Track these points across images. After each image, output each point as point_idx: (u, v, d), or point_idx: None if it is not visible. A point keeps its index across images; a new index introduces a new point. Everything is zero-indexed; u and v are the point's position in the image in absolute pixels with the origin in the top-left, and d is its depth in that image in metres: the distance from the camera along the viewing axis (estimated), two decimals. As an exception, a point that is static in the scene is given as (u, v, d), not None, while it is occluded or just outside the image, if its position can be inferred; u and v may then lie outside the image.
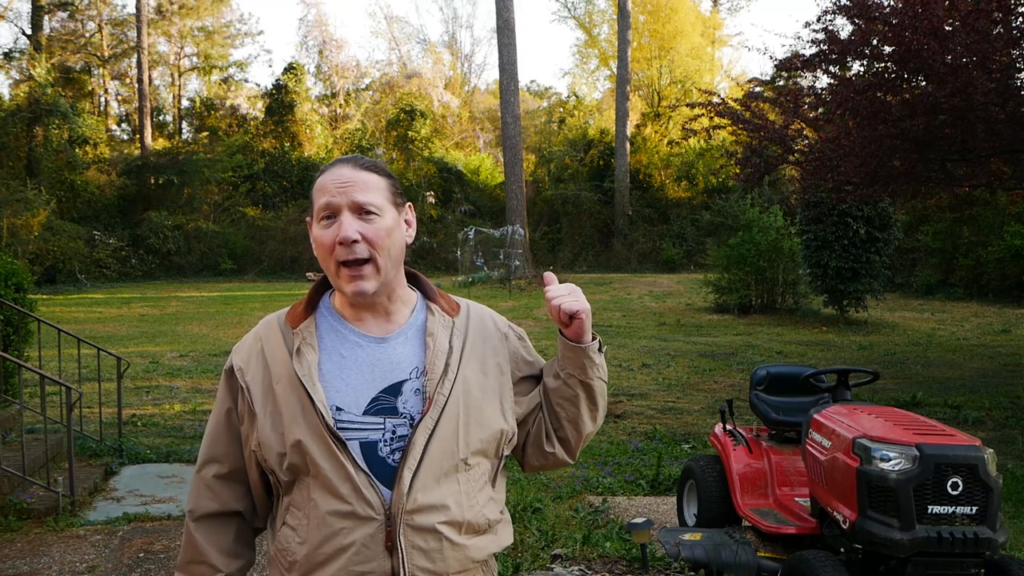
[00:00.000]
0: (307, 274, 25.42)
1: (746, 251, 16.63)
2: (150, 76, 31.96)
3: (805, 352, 12.65)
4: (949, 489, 3.12)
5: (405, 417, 1.52)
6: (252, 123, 32.96)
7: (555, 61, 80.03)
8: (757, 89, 12.65)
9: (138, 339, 13.78)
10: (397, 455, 1.50)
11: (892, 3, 8.49)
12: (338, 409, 1.51)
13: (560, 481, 5.98)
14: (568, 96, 38.69)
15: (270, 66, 51.65)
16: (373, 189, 1.55)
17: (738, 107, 11.04)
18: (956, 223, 20.48)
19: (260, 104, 33.33)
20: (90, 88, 33.73)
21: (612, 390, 9.76)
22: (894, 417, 3.56)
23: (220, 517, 1.62)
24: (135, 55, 31.14)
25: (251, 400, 1.55)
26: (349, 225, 1.51)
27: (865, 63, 9.12)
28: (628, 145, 29.44)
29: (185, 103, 36.23)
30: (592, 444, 7.32)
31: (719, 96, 11.47)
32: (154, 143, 31.03)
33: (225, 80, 35.74)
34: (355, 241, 1.51)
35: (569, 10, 49.86)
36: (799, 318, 16.55)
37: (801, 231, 16.06)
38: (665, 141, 31.50)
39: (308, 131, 31.82)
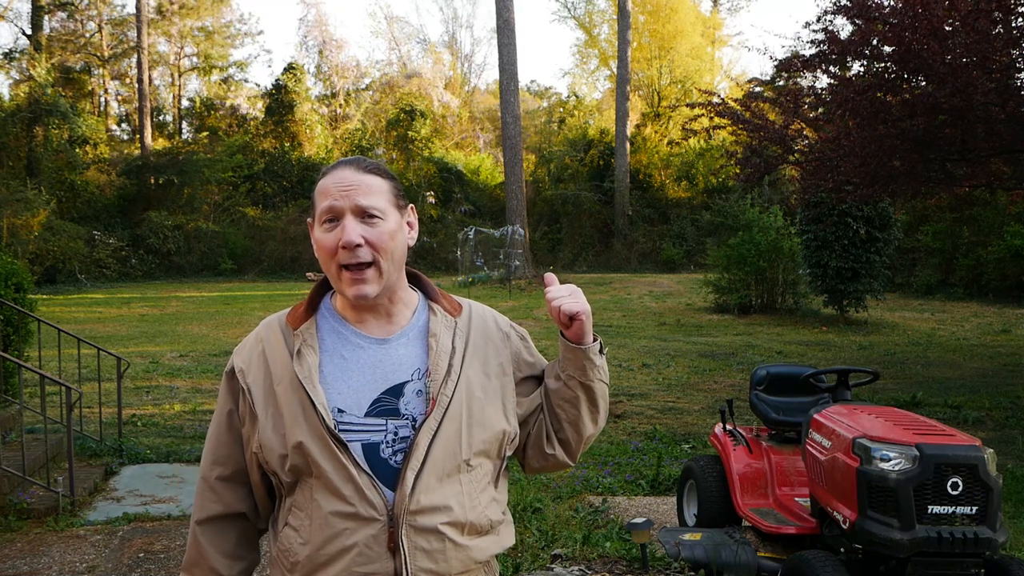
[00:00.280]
0: (307, 274, 25.43)
1: (746, 251, 16.63)
2: (150, 76, 31.96)
3: (805, 352, 12.65)
4: (949, 489, 3.13)
5: (407, 418, 1.52)
6: (252, 123, 32.97)
7: (555, 61, 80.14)
8: (757, 89, 12.65)
9: (138, 339, 13.78)
10: (399, 456, 1.50)
11: (892, 3, 8.49)
12: (340, 411, 1.51)
13: (560, 481, 5.98)
14: (568, 96, 38.71)
15: (269, 66, 51.73)
16: (376, 192, 1.55)
17: (738, 107, 11.04)
18: (956, 223, 20.48)
19: (260, 104, 33.34)
20: (90, 88, 33.73)
21: (612, 390, 9.75)
22: (894, 417, 3.56)
23: (224, 519, 1.61)
24: (135, 55, 31.15)
25: (252, 402, 1.55)
26: (352, 229, 1.51)
27: (865, 63, 9.12)
28: (628, 145, 29.45)
29: (185, 103, 36.28)
30: (592, 444, 7.30)
31: (719, 96, 11.47)
32: (154, 143, 31.03)
33: (225, 80, 35.75)
34: (358, 245, 1.51)
35: (569, 10, 49.93)
36: (799, 318, 16.55)
37: (801, 231, 16.06)
38: (665, 141, 31.50)
39: (308, 131, 31.82)
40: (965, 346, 13.45)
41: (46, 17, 29.74)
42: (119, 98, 35.97)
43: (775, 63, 10.98)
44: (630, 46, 30.58)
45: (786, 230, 17.13)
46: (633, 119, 31.23)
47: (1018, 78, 8.28)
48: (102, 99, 35.01)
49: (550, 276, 1.64)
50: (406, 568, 1.46)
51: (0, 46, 34.96)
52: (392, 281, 1.57)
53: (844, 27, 9.56)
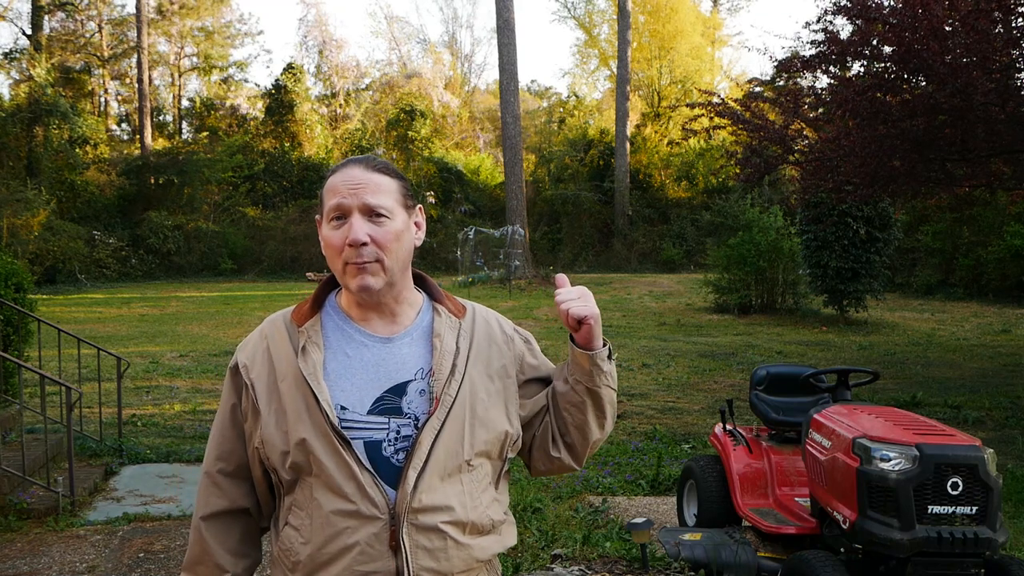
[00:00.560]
0: (307, 274, 25.43)
1: (746, 251, 16.63)
2: (150, 76, 31.96)
3: (805, 352, 12.65)
4: (949, 489, 3.13)
5: (410, 417, 1.53)
6: (252, 123, 32.97)
7: (555, 61, 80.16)
8: (757, 89, 12.64)
9: (138, 339, 13.78)
10: (401, 455, 1.50)
11: (892, 3, 8.49)
12: (343, 408, 1.51)
13: (560, 481, 5.98)
14: (568, 96, 38.71)
15: (268, 67, 51.88)
16: (384, 191, 1.55)
17: (738, 107, 11.04)
18: (956, 223, 20.48)
19: (260, 104, 33.35)
20: (90, 88, 33.73)
21: (612, 390, 9.75)
22: (894, 417, 3.56)
23: (228, 515, 1.61)
24: (135, 55, 31.15)
25: (255, 397, 1.55)
26: (359, 227, 1.51)
27: (865, 63, 9.12)
28: (628, 145, 29.45)
29: (185, 103, 36.28)
30: (592, 444, 7.31)
31: (719, 96, 11.46)
32: (154, 143, 31.03)
33: (225, 80, 35.76)
34: (364, 243, 1.51)
35: (569, 10, 49.94)
36: (799, 318, 16.55)
37: (801, 231, 16.06)
38: (665, 141, 31.50)
39: (308, 131, 31.82)
40: (965, 346, 13.45)
41: (46, 17, 29.74)
42: (119, 98, 36.00)
43: (775, 63, 10.97)
44: (630, 46, 30.58)
45: (786, 230, 17.12)
46: (633, 119, 31.23)
47: (1018, 78, 8.28)
48: (102, 99, 35.01)
49: (561, 277, 1.63)
50: (407, 567, 1.46)
51: (0, 46, 34.97)
52: (397, 280, 1.58)
53: (844, 27, 9.56)
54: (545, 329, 13.99)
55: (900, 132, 8.48)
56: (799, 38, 44.00)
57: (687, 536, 4.16)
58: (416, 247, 1.64)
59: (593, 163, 31.23)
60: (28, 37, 28.89)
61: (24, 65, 29.02)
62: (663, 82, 35.12)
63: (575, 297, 1.57)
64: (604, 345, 1.61)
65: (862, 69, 9.29)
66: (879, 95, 8.63)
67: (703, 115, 11.45)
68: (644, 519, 4.06)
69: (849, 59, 9.21)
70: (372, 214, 1.53)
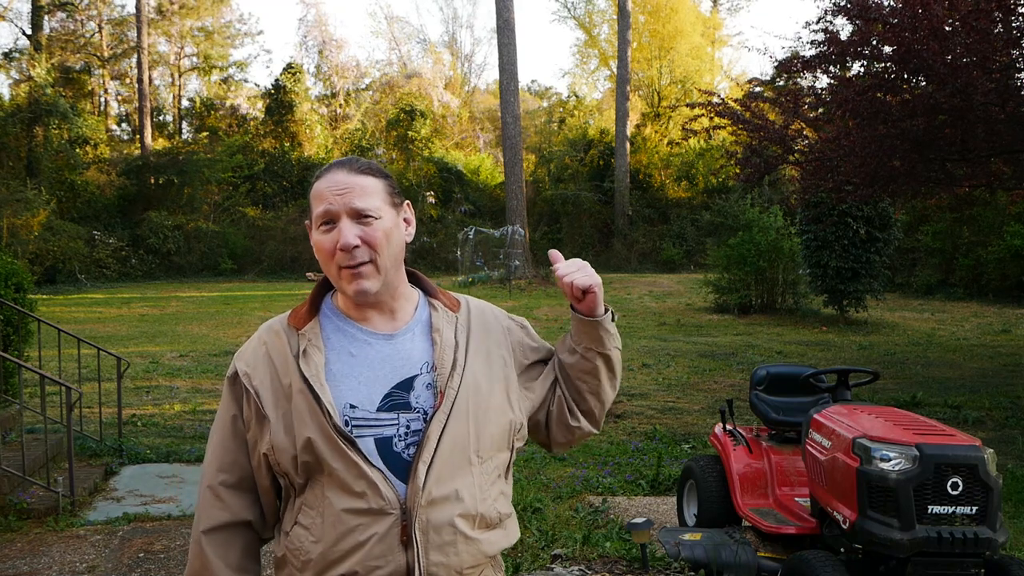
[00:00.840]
0: (307, 274, 25.43)
1: (746, 251, 16.63)
2: (150, 76, 31.96)
3: (805, 352, 12.65)
4: (949, 489, 3.13)
5: (418, 412, 1.54)
6: (252, 123, 32.97)
7: (555, 61, 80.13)
8: (757, 89, 12.63)
9: (138, 339, 13.78)
10: (412, 449, 1.51)
11: (892, 3, 8.49)
12: (352, 407, 1.52)
13: (560, 481, 5.98)
14: (568, 96, 38.69)
15: (268, 67, 51.83)
16: (370, 193, 1.56)
17: (738, 107, 11.04)
18: (956, 223, 20.48)
19: (260, 104, 33.34)
20: (90, 88, 33.73)
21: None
22: (894, 417, 3.56)
23: (230, 528, 1.58)
24: (135, 55, 31.15)
25: (261, 404, 1.55)
26: (348, 232, 1.52)
27: (865, 63, 9.12)
28: (628, 145, 29.44)
29: (185, 103, 36.28)
30: (592, 444, 7.32)
31: (719, 96, 11.46)
32: (154, 143, 31.03)
33: (225, 80, 35.76)
34: (355, 247, 1.52)
35: (569, 10, 49.93)
36: (799, 318, 16.55)
37: (801, 231, 16.06)
38: (665, 141, 31.49)
39: (308, 131, 31.82)
40: (965, 346, 13.44)
41: (46, 17, 29.73)
42: (119, 98, 36.00)
43: (775, 63, 10.98)
44: (630, 46, 30.58)
45: (786, 230, 17.12)
46: (633, 119, 31.23)
47: (1018, 78, 8.28)
48: (102, 99, 35.02)
49: (555, 253, 1.68)
50: (418, 561, 1.47)
51: (0, 46, 34.96)
52: (391, 278, 1.59)
53: (844, 27, 9.56)
54: (545, 329, 13.99)
55: (900, 132, 8.48)
56: (799, 38, 43.99)
57: (687, 536, 4.15)
58: (407, 243, 1.65)
59: (593, 163, 31.23)
60: (28, 37, 28.88)
61: (24, 65, 29.02)
62: (663, 82, 35.12)
63: (576, 269, 1.63)
64: (606, 310, 1.68)
65: (862, 69, 9.30)
66: (879, 95, 8.64)
67: (703, 115, 11.45)
68: (644, 519, 4.06)
69: (849, 59, 9.21)
70: (360, 217, 1.54)
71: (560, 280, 1.63)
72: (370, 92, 36.73)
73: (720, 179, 27.75)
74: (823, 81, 11.29)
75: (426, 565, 1.47)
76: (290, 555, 1.53)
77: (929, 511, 3.12)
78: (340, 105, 35.26)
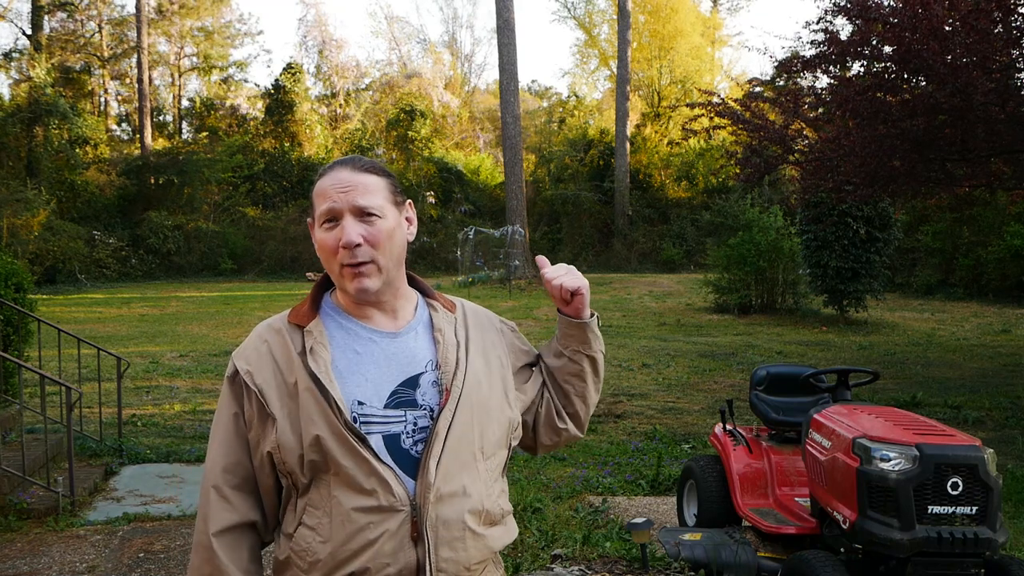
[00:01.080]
0: (307, 274, 25.43)
1: (746, 251, 16.63)
2: (150, 76, 31.96)
3: (805, 352, 12.65)
4: (949, 489, 3.12)
5: (425, 409, 1.55)
6: (252, 123, 32.97)
7: (555, 61, 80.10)
8: (757, 89, 12.63)
9: (138, 339, 13.78)
10: (420, 446, 1.52)
11: (892, 3, 8.49)
12: (360, 403, 1.52)
13: (560, 481, 5.98)
14: (568, 96, 38.70)
15: (268, 66, 51.81)
16: (373, 191, 1.57)
17: (738, 107, 11.04)
18: (956, 223, 20.48)
19: (260, 104, 33.34)
20: (90, 88, 33.73)
21: (612, 390, 9.76)
22: (894, 417, 3.56)
23: (239, 530, 1.56)
24: (135, 55, 31.15)
25: (266, 402, 1.53)
26: (352, 229, 1.53)
27: (865, 63, 9.12)
28: (628, 145, 29.44)
29: (185, 103, 36.29)
30: (592, 444, 7.32)
31: (719, 96, 11.46)
32: (154, 143, 31.03)
33: (225, 80, 35.76)
34: (358, 245, 1.53)
35: (569, 10, 49.92)
36: (799, 318, 16.55)
37: (801, 231, 16.06)
38: (665, 141, 31.50)
39: (308, 131, 31.82)
40: (965, 346, 13.44)
41: (46, 17, 29.73)
42: (119, 98, 36.00)
43: (775, 63, 10.98)
44: (630, 46, 30.58)
45: (786, 230, 17.12)
46: (633, 119, 31.22)
47: (1018, 78, 8.28)
48: (102, 99, 35.02)
49: (542, 259, 1.73)
50: (429, 558, 1.47)
51: (0, 46, 34.96)
52: (393, 277, 1.60)
53: (844, 27, 9.56)
54: (545, 329, 13.98)
55: (900, 132, 8.48)
56: (799, 38, 43.97)
57: (687, 536, 4.15)
58: (409, 243, 1.66)
59: (593, 163, 31.23)
60: (28, 37, 28.89)
61: (24, 65, 29.02)
62: (663, 82, 35.12)
63: (563, 272, 1.69)
64: (592, 315, 1.74)
65: (862, 69, 9.29)
66: (879, 95, 8.64)
67: (703, 115, 11.45)
68: (644, 519, 4.06)
69: (849, 59, 9.21)
70: (363, 215, 1.55)
71: (548, 283, 1.67)
72: (370, 92, 36.73)
73: (720, 179, 27.75)
74: (823, 81, 11.29)
75: (436, 561, 1.48)
76: (295, 557, 1.52)
77: (929, 511, 3.12)
78: (340, 105, 35.27)
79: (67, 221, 25.01)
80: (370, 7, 75.53)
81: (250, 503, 1.58)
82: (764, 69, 47.36)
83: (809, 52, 9.26)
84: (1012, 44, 7.81)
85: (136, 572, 4.37)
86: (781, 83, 12.76)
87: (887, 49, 8.46)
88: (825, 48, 8.99)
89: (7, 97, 28.92)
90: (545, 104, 40.58)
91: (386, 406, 1.53)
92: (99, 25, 32.71)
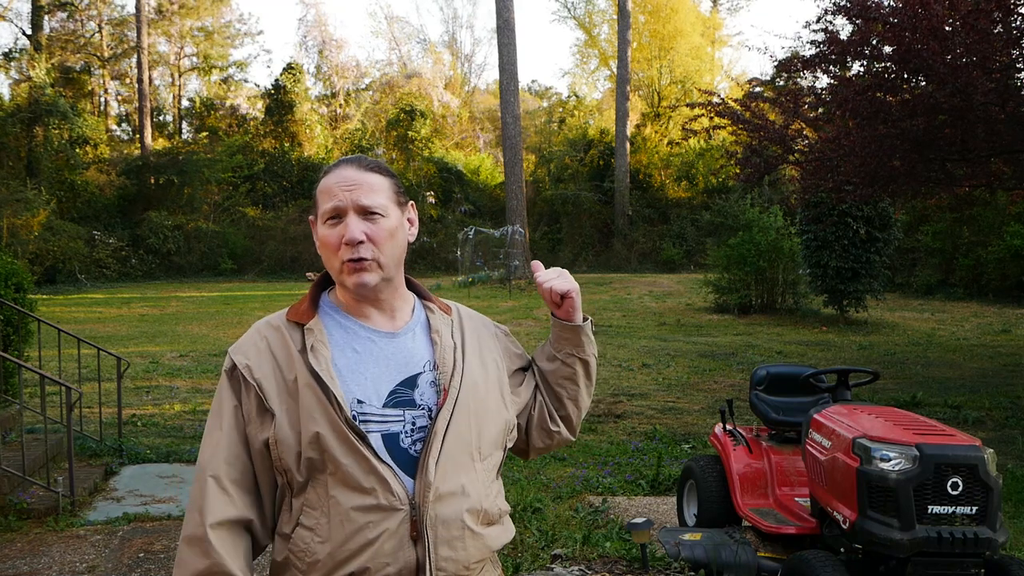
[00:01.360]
0: (307, 274, 25.42)
1: (746, 251, 16.63)
2: (150, 76, 31.96)
3: (805, 352, 12.65)
4: (949, 489, 3.12)
5: (423, 409, 1.56)
6: (252, 123, 32.97)
7: (555, 61, 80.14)
8: (757, 89, 12.63)
9: (138, 339, 13.78)
10: (418, 446, 1.53)
11: (892, 3, 8.49)
12: (359, 401, 1.53)
13: (560, 481, 5.98)
14: (568, 96, 38.71)
15: (268, 66, 51.82)
16: (377, 190, 1.59)
17: (738, 107, 11.04)
18: (956, 223, 20.48)
19: (260, 104, 33.34)
20: (90, 88, 33.73)
21: (612, 390, 9.76)
22: (894, 417, 3.56)
23: (237, 526, 1.52)
24: (135, 55, 31.15)
25: (265, 397, 1.53)
26: (355, 226, 1.55)
27: (865, 63, 9.12)
28: (628, 145, 29.44)
29: (185, 103, 36.29)
30: (592, 444, 7.32)
31: (719, 96, 11.46)
32: (154, 143, 31.03)
33: (225, 80, 35.76)
34: (360, 242, 1.55)
35: (569, 10, 49.92)
36: (799, 318, 16.55)
37: (801, 231, 16.06)
38: (665, 141, 31.50)
39: (308, 131, 31.82)
40: (965, 346, 13.44)
41: (46, 17, 29.73)
42: (119, 98, 36.00)
43: (775, 63, 10.97)
44: (630, 46, 30.58)
45: (786, 230, 17.12)
46: (633, 119, 31.23)
47: (1018, 78, 8.28)
48: (102, 99, 35.02)
49: (536, 263, 1.75)
50: (428, 557, 1.48)
51: (0, 46, 34.96)
52: (392, 275, 1.61)
53: (844, 27, 9.56)
54: (545, 329, 13.98)
55: (900, 132, 8.48)
56: (799, 38, 43.99)
57: (687, 536, 4.15)
58: (410, 243, 1.68)
59: (593, 163, 31.23)
60: (28, 37, 28.88)
61: (24, 65, 29.02)
62: (663, 82, 35.12)
63: (555, 276, 1.71)
64: (585, 319, 1.75)
65: (862, 69, 9.29)
66: (879, 95, 8.63)
67: (703, 115, 11.45)
68: (644, 519, 4.06)
69: (849, 59, 9.21)
70: (367, 213, 1.56)
71: (540, 286, 1.70)
72: (370, 92, 36.73)
73: (720, 179, 27.75)
74: (823, 81, 11.30)
75: (436, 560, 1.48)
76: (293, 558, 1.51)
77: (929, 511, 3.12)
78: (340, 105, 35.27)
79: (67, 221, 25.01)
80: (370, 7, 75.60)
81: (248, 500, 1.54)
82: (764, 69, 47.38)
83: (809, 52, 9.26)
84: (1012, 44, 7.81)
85: (136, 572, 4.37)
86: (781, 83, 12.76)
87: (887, 49, 8.46)
88: (825, 48, 8.99)
89: (7, 97, 28.93)
90: (545, 104, 40.58)
91: (385, 405, 1.54)
92: (99, 25, 32.72)
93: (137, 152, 30.50)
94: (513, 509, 4.95)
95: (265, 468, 1.55)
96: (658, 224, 29.23)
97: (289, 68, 31.69)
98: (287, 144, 31.26)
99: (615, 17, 33.00)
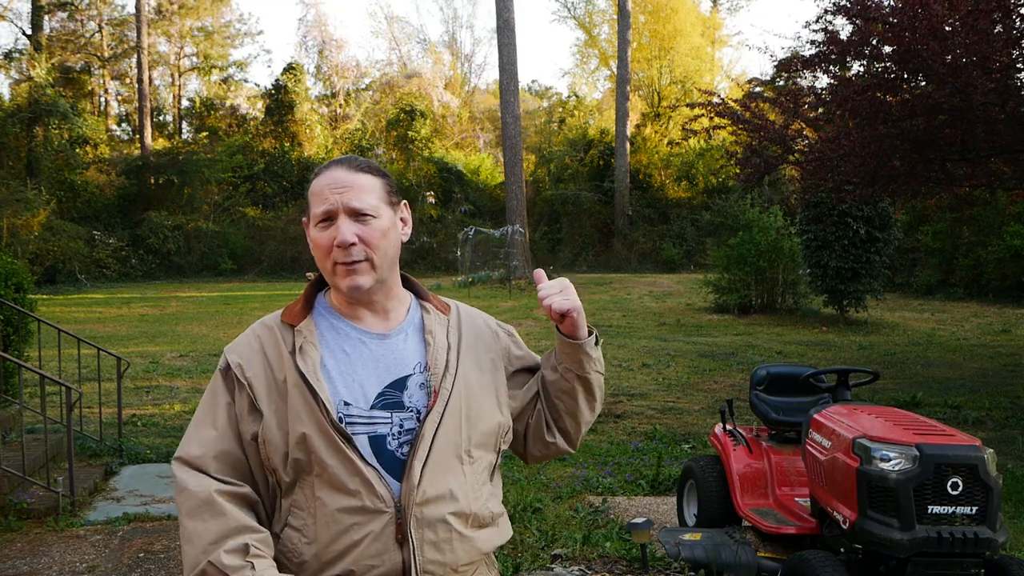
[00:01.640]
0: (307, 274, 25.40)
1: (746, 251, 16.63)
2: (150, 76, 31.96)
3: (805, 352, 12.65)
4: (949, 489, 3.12)
5: (411, 411, 1.55)
6: (252, 123, 32.96)
7: (555, 61, 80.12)
8: (757, 89, 12.63)
9: (138, 339, 13.78)
10: (405, 448, 1.52)
11: (892, 3, 8.49)
12: (346, 403, 1.52)
13: (560, 481, 5.98)
14: (568, 96, 38.69)
15: (269, 66, 51.71)
16: (368, 192, 1.57)
17: (738, 107, 11.03)
18: (956, 223, 20.47)
19: (260, 104, 33.33)
20: (90, 88, 33.73)
21: (612, 390, 9.76)
22: (894, 417, 3.56)
23: (241, 495, 1.51)
24: (135, 55, 31.14)
25: (254, 397, 1.54)
26: (346, 229, 1.54)
27: (865, 63, 9.12)
28: (628, 145, 29.44)
29: (185, 103, 36.27)
30: (592, 444, 7.32)
31: (719, 96, 11.46)
32: (154, 143, 31.02)
33: (225, 80, 35.75)
34: (352, 244, 1.54)
35: (569, 10, 49.91)
36: (799, 318, 16.55)
37: (801, 231, 16.06)
38: (665, 141, 31.49)
39: (308, 131, 31.81)
40: (965, 346, 13.44)
41: (46, 17, 29.73)
42: (119, 98, 36.00)
43: (775, 63, 10.98)
44: (630, 46, 30.58)
45: (786, 230, 17.12)
46: (633, 119, 31.22)
47: (1018, 78, 8.28)
48: (102, 99, 35.02)
49: (540, 273, 1.68)
50: (414, 559, 1.47)
51: (0, 46, 34.93)
52: (386, 277, 1.60)
53: (844, 27, 9.56)
54: (545, 329, 13.98)
55: (900, 132, 8.48)
56: (799, 38, 43.97)
57: (687, 536, 4.15)
58: (404, 243, 1.66)
59: (593, 163, 31.23)
60: (28, 37, 28.88)
61: (24, 65, 29.01)
62: (663, 82, 35.12)
63: (557, 291, 1.62)
64: (591, 334, 1.67)
65: (862, 69, 9.29)
66: (879, 95, 8.64)
67: (703, 115, 11.44)
68: (644, 519, 4.06)
69: (849, 59, 9.21)
70: (358, 215, 1.55)
71: (540, 302, 1.64)
72: (370, 92, 36.72)
73: (720, 179, 27.74)
74: (823, 81, 11.30)
75: (422, 563, 1.48)
76: (283, 558, 1.52)
77: (929, 511, 3.12)
78: (340, 105, 35.26)
79: (67, 221, 25.01)
80: (370, 7, 75.60)
81: (248, 484, 1.54)
82: (764, 69, 47.34)
83: (809, 52, 9.26)
84: (1012, 44, 7.81)
85: (136, 572, 4.37)
86: (781, 83, 12.75)
87: (887, 49, 8.46)
88: (825, 48, 9.00)
89: (7, 97, 28.94)
90: (545, 104, 40.55)
91: (372, 407, 1.53)
92: (99, 25, 32.71)
93: (137, 152, 30.49)
94: (513, 509, 4.95)
95: (258, 464, 1.55)
96: (658, 224, 29.23)
97: (290, 68, 31.68)
98: (287, 144, 31.25)
99: (615, 17, 33.00)
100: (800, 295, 17.35)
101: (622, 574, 4.12)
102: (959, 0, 7.73)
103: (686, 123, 12.17)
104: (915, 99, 8.24)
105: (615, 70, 32.42)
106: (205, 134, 32.18)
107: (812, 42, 9.21)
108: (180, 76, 35.82)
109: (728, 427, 4.65)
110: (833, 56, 9.00)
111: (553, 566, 4.17)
